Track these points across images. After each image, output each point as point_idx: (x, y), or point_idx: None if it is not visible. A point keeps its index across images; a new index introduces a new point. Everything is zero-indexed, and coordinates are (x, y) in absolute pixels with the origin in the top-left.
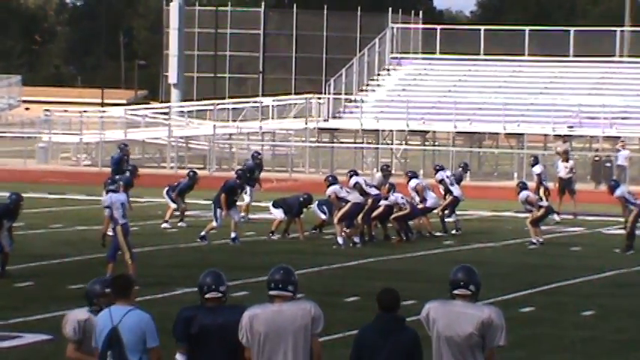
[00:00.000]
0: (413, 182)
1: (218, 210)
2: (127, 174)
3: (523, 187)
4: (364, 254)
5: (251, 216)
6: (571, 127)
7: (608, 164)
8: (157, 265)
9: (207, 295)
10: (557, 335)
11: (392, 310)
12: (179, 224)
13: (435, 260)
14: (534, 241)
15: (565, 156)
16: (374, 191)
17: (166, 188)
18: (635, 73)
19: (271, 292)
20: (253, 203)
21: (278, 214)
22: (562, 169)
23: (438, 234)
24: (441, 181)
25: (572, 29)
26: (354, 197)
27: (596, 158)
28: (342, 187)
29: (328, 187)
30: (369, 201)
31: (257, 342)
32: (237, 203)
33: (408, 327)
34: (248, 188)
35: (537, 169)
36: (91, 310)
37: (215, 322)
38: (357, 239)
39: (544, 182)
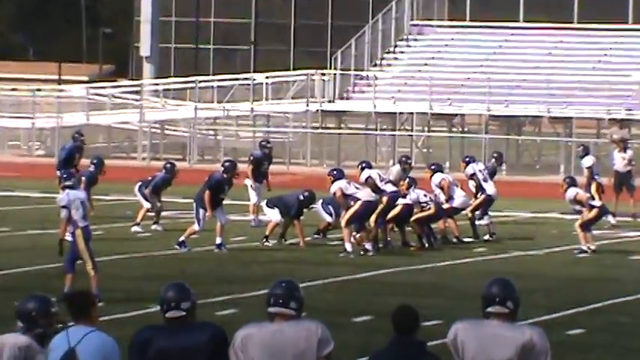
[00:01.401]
0: (437, 177)
1: (201, 210)
2: (91, 168)
3: (571, 183)
4: (378, 264)
5: (243, 217)
6: (629, 109)
7: None
8: (126, 277)
9: (167, 314)
10: None
11: (410, 332)
12: (153, 227)
13: (465, 272)
14: (585, 248)
15: (622, 145)
16: (390, 188)
17: (138, 184)
18: None
19: (271, 309)
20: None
21: (273, 215)
22: (619, 161)
23: (467, 240)
24: (472, 176)
25: None
26: (365, 195)
27: None
28: (350, 183)
29: (333, 182)
30: (384, 199)
31: None
32: (251, 202)
33: (430, 352)
34: (254, 185)
35: (587, 161)
36: (34, 335)
37: (174, 345)
38: (368, 246)
39: (596, 177)
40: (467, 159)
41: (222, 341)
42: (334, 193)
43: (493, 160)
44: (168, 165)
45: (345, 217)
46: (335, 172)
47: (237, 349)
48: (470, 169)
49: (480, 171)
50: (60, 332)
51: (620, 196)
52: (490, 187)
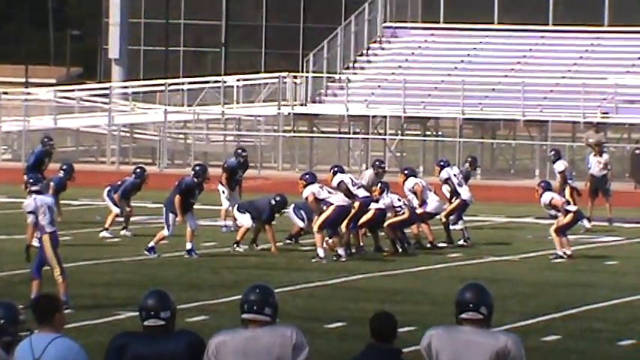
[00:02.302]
0: (410, 182)
1: (171, 215)
2: (61, 173)
3: (546, 187)
4: (350, 270)
5: (213, 223)
6: (605, 113)
7: None
8: (95, 284)
9: (145, 323)
10: None
11: (387, 339)
12: (122, 233)
13: (438, 277)
14: (560, 253)
15: (598, 149)
16: (362, 192)
17: (107, 188)
18: None
19: (245, 316)
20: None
21: (244, 220)
22: (594, 165)
23: (441, 245)
24: (447, 181)
25: None
26: (338, 199)
27: (637, 151)
28: (322, 187)
29: (305, 187)
30: (356, 204)
31: None
32: (223, 207)
33: None
34: (227, 192)
35: (559, 165)
36: (1, 343)
37: (151, 352)
38: (341, 251)
39: (570, 181)
40: (441, 163)
41: (199, 349)
42: (306, 198)
43: (467, 164)
44: (138, 170)
45: (318, 222)
46: (307, 177)
47: (210, 356)
48: (444, 174)
49: (454, 175)
50: (24, 339)
51: (596, 200)
52: (465, 192)
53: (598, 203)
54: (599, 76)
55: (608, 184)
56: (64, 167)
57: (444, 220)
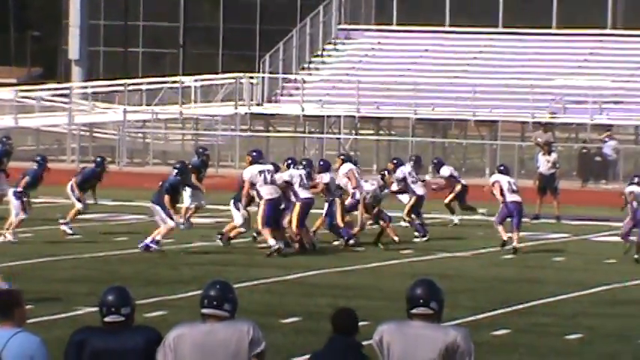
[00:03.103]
0: (345, 167)
1: (163, 212)
2: (35, 166)
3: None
4: (306, 266)
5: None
6: (553, 113)
7: (598, 158)
8: (55, 280)
9: (106, 319)
10: None
11: (350, 334)
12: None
13: (391, 273)
14: (505, 238)
15: (547, 148)
16: (304, 194)
17: (70, 184)
18: (629, 49)
19: (204, 311)
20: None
21: (238, 217)
22: (543, 164)
23: (416, 240)
24: (403, 180)
25: None
26: (266, 192)
27: (584, 150)
28: (263, 173)
29: (250, 164)
30: (297, 205)
31: None
32: (184, 204)
33: (366, 355)
34: (189, 190)
35: (445, 171)
36: None
37: (109, 347)
38: (281, 244)
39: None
40: (395, 161)
41: (157, 345)
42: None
43: (412, 162)
44: (99, 158)
45: (259, 223)
46: (254, 154)
47: (167, 348)
48: (399, 173)
49: (409, 173)
50: None
51: (544, 198)
52: (419, 188)
53: (546, 201)
54: (548, 77)
55: (557, 182)
56: (38, 159)
57: (407, 219)
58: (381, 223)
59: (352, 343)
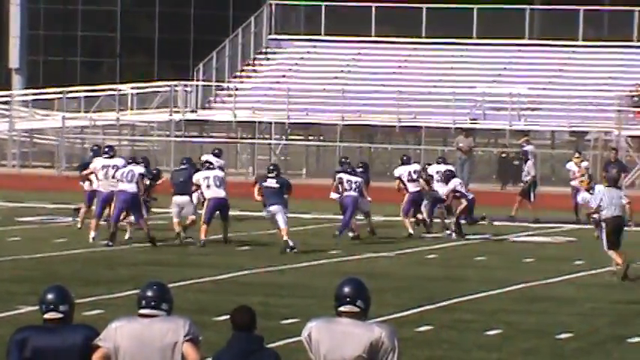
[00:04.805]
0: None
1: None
2: None
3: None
4: (239, 266)
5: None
6: (474, 119)
7: (516, 162)
8: None
9: (45, 315)
10: (458, 358)
11: (248, 329)
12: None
13: (321, 272)
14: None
15: (468, 153)
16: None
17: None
18: (546, 58)
19: (142, 311)
20: None
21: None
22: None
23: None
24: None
25: (475, 7)
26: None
27: (503, 155)
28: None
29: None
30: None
31: (118, 356)
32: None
33: (268, 347)
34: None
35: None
36: None
37: (50, 345)
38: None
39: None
40: (405, 157)
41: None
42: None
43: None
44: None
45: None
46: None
47: (108, 337)
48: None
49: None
50: None
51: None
52: (415, 187)
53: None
54: (468, 85)
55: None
56: None
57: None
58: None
59: (254, 336)
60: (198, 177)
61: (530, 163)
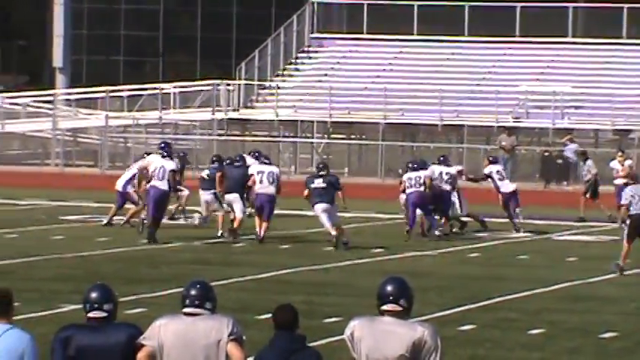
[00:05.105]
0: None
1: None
2: None
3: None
4: (281, 264)
5: None
6: (517, 118)
7: (559, 160)
8: (40, 278)
9: (89, 314)
10: (501, 357)
11: (290, 328)
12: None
13: (363, 271)
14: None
15: (512, 151)
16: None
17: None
18: (589, 56)
19: (186, 310)
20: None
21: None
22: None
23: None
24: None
25: (518, 5)
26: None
27: (546, 153)
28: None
29: None
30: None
31: (162, 354)
32: None
33: (310, 347)
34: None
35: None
36: None
37: (94, 343)
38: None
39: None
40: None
41: None
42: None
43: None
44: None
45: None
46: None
47: (153, 334)
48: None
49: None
50: None
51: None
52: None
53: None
54: (511, 83)
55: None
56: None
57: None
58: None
59: (296, 335)
60: (252, 170)
61: (590, 162)
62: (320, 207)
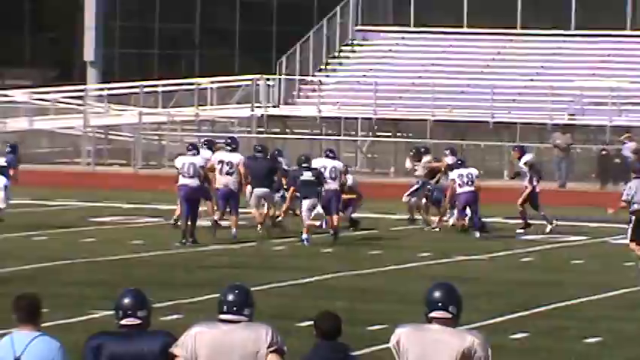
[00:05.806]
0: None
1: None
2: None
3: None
4: (321, 269)
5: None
6: (572, 115)
7: (617, 160)
8: (70, 283)
9: (122, 322)
10: None
11: (333, 337)
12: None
13: (408, 276)
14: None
15: (566, 150)
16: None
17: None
18: None
19: (224, 317)
20: None
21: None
22: None
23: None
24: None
25: None
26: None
27: (603, 152)
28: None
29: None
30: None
31: None
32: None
33: (353, 355)
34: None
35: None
36: None
37: (127, 352)
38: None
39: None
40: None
41: None
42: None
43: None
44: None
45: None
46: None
47: (187, 343)
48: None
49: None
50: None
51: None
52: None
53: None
54: (566, 78)
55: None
56: (12, 145)
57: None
58: None
59: (339, 344)
60: (317, 164)
61: None
62: (309, 202)
